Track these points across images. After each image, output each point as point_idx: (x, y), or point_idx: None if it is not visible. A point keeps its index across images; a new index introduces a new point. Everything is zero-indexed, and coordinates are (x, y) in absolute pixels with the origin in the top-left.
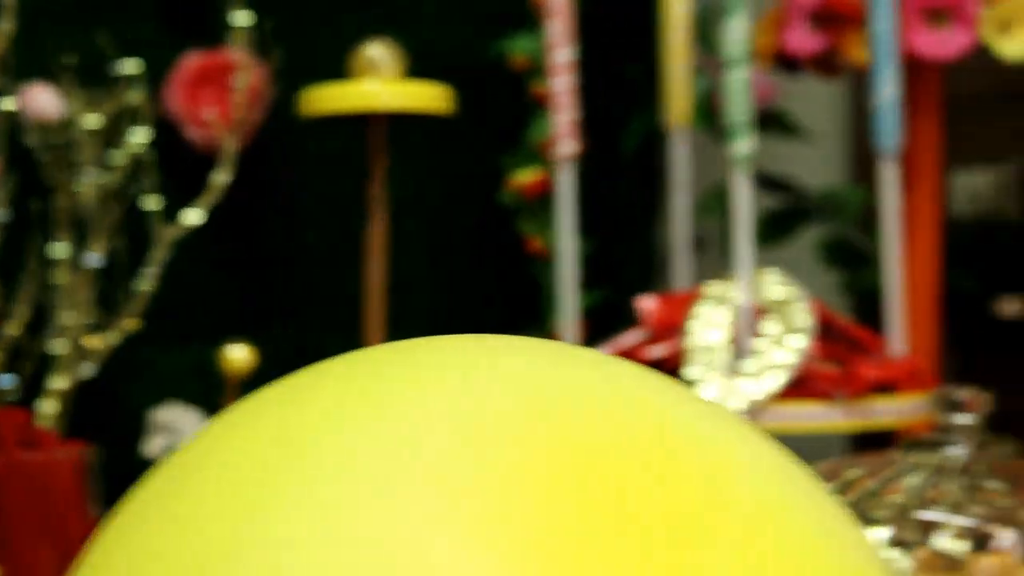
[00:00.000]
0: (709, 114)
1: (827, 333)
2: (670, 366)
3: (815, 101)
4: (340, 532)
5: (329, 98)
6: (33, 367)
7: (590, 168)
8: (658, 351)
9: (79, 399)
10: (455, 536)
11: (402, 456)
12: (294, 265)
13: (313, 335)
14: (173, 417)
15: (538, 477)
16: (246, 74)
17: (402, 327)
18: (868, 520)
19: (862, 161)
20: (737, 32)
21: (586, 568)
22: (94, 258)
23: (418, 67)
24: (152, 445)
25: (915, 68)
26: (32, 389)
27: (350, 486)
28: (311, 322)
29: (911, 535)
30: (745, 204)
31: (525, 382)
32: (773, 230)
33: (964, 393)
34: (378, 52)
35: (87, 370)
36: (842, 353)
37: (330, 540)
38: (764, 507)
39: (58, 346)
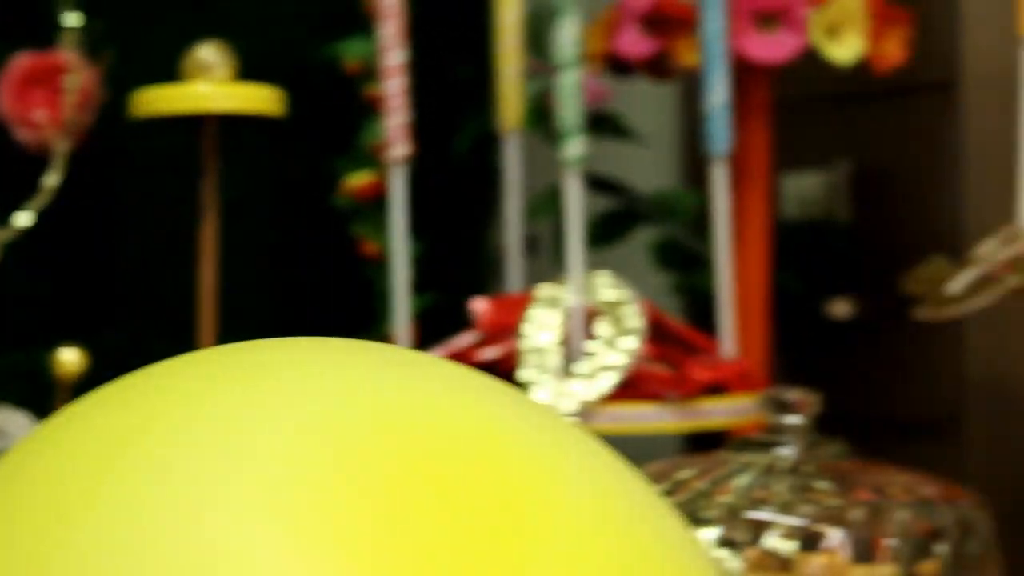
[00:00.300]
0: (543, 116)
1: (659, 335)
2: (503, 368)
3: (649, 104)
4: (165, 533)
5: (161, 100)
6: None
7: (423, 170)
8: (491, 353)
9: None
10: (280, 537)
11: (230, 458)
12: (126, 268)
13: (145, 338)
14: (4, 420)
15: (366, 479)
16: (77, 76)
17: (235, 330)
18: (698, 520)
19: (695, 163)
20: (568, 35)
21: (414, 568)
22: None
23: (251, 70)
24: None
25: (745, 71)
26: None
27: (176, 488)
28: (143, 325)
29: (741, 535)
30: (576, 206)
31: (356, 385)
32: (606, 232)
33: (793, 394)
34: (209, 54)
35: None
36: (674, 355)
37: (155, 541)
38: (592, 509)
39: None
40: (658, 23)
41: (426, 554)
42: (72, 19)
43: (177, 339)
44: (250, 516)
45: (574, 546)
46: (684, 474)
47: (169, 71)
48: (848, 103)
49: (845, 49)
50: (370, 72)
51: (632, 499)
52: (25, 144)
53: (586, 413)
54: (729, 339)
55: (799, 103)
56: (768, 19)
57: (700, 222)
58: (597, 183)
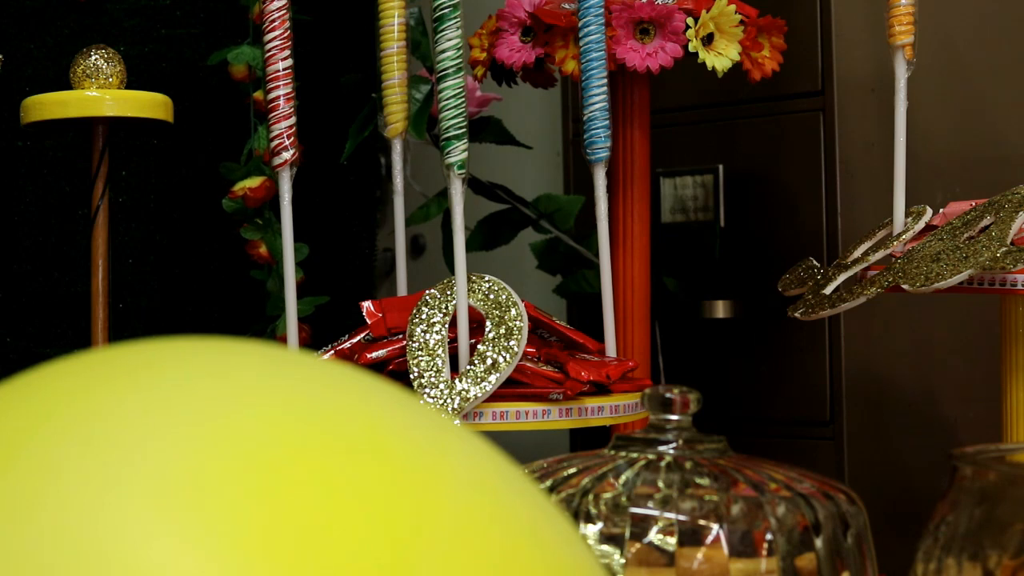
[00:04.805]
0: (433, 122)
1: (543, 335)
2: (392, 369)
3: (535, 109)
4: (57, 533)
5: (51, 105)
6: None
7: (312, 175)
8: (379, 354)
9: None
10: (172, 536)
11: (121, 458)
12: (15, 269)
13: (36, 338)
14: None
15: (253, 481)
16: None
17: (126, 330)
18: (581, 516)
19: (579, 168)
20: (450, 43)
21: (303, 567)
22: None
23: (142, 76)
24: None
25: (624, 78)
26: None
27: (67, 488)
28: (34, 326)
29: (623, 530)
30: (460, 210)
31: (244, 385)
32: (492, 235)
33: (674, 392)
34: (98, 61)
35: None
36: (558, 355)
37: (47, 541)
38: (473, 506)
39: None
40: (538, 31)
41: (312, 552)
42: None
43: (68, 339)
44: (142, 516)
45: (456, 543)
46: (567, 471)
47: (60, 77)
48: (723, 108)
49: (721, 57)
50: (259, 78)
51: (514, 496)
52: None
53: (473, 412)
54: (612, 339)
55: (676, 108)
56: (646, 28)
57: (584, 225)
58: (484, 187)
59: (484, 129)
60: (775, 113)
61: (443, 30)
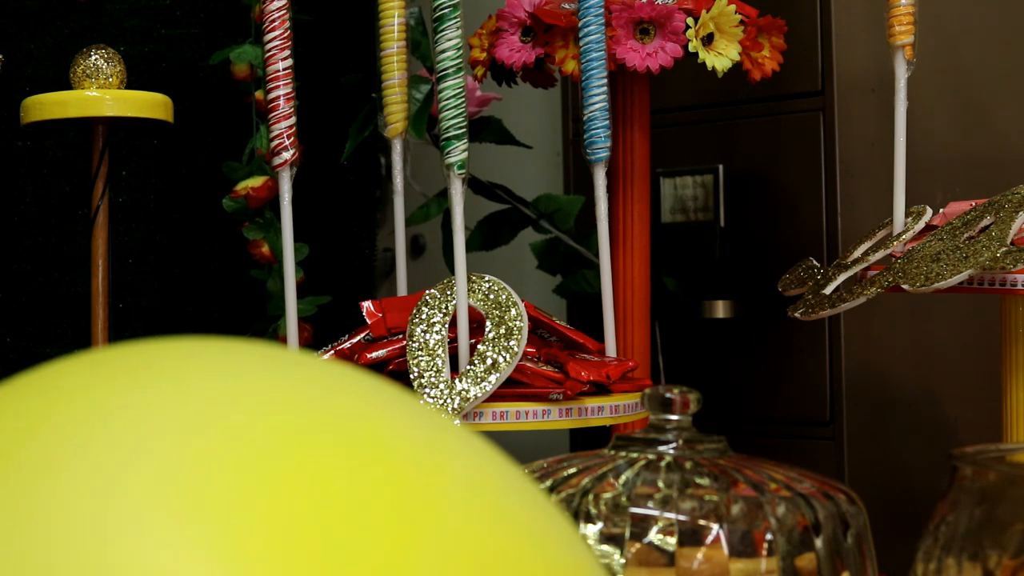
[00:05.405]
0: (433, 122)
1: (543, 335)
2: (392, 368)
3: (535, 109)
4: (60, 531)
5: (51, 105)
6: None
7: (312, 175)
8: (379, 354)
9: None
10: (173, 536)
11: (121, 457)
12: (15, 269)
13: (36, 338)
14: None
15: (254, 481)
16: None
17: (126, 330)
18: (581, 516)
19: (579, 168)
20: (450, 43)
21: (303, 566)
22: None
23: (142, 76)
24: None
25: (624, 78)
26: None
27: (69, 486)
28: (34, 326)
29: (623, 530)
30: (459, 210)
31: (244, 383)
32: (492, 235)
33: (674, 392)
34: (98, 61)
35: None
36: (558, 355)
37: (51, 539)
38: (475, 509)
39: None
40: (538, 31)
41: (312, 552)
42: None
43: (69, 339)
44: (142, 516)
45: (456, 544)
46: (568, 471)
47: (60, 77)
48: (723, 108)
49: (721, 57)
50: (260, 78)
51: (514, 496)
52: None
53: (473, 412)
54: (611, 339)
55: (676, 108)
56: (646, 28)
57: (584, 225)
58: (484, 187)
59: (484, 129)
60: (775, 113)
61: (443, 30)
